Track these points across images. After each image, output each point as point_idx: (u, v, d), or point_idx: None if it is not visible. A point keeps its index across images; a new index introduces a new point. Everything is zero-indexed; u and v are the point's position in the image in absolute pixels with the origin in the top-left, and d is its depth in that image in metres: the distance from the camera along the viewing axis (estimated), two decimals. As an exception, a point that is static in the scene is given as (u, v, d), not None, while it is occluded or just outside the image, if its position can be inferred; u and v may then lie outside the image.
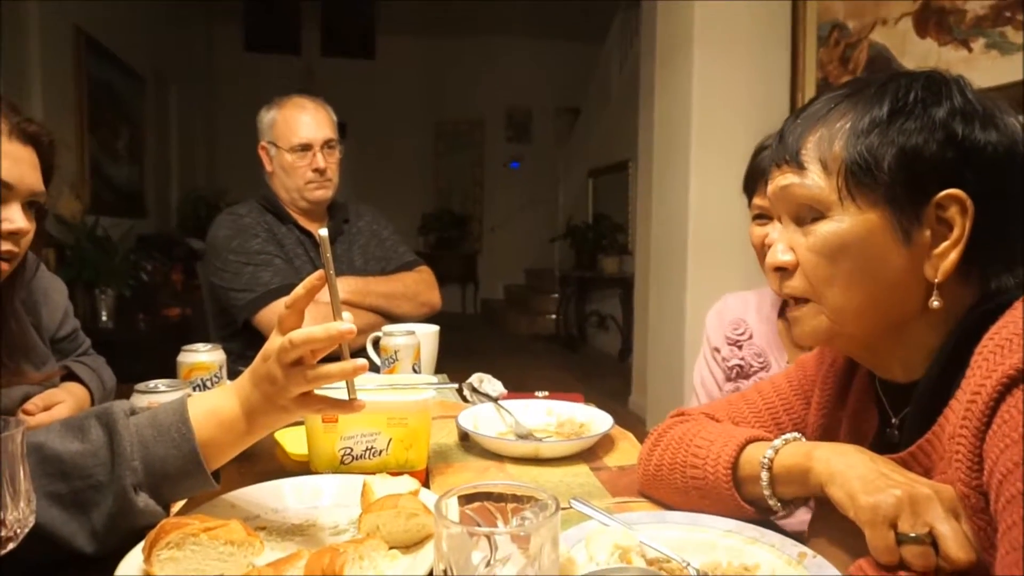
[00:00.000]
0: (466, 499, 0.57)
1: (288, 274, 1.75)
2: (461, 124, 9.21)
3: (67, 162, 4.32)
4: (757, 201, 1.27)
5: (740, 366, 1.33)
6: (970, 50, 2.16)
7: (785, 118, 0.77)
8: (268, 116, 1.87)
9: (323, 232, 0.72)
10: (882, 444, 0.75)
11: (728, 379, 1.36)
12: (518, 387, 1.39)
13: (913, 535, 0.58)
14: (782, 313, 1.33)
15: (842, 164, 0.68)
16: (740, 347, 1.34)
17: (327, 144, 1.85)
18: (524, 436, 1.12)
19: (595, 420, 1.17)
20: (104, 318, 3.99)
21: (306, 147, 1.82)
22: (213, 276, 1.81)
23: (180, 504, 0.82)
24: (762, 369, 1.31)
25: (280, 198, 1.89)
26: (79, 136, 4.55)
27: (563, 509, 0.80)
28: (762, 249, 1.25)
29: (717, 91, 3.16)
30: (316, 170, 1.82)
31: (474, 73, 8.81)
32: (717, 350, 1.38)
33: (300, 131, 1.83)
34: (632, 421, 3.97)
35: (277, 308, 0.74)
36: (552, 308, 7.26)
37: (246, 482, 0.87)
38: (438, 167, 9.40)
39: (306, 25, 8.75)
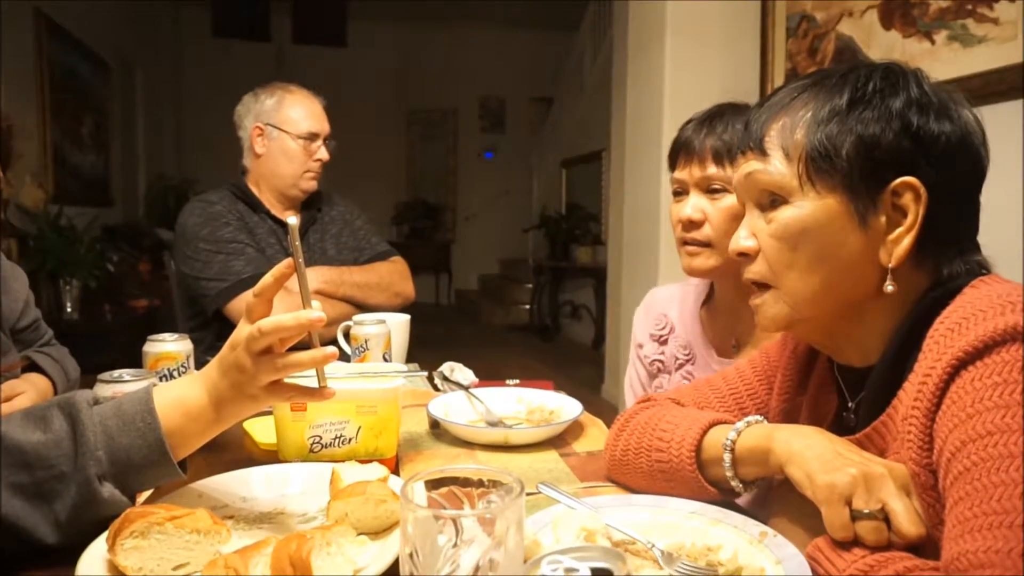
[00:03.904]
0: (433, 484, 0.57)
1: (260, 263, 1.73)
2: (435, 113, 9.14)
3: (29, 150, 4.21)
4: (675, 175, 1.16)
5: (661, 361, 1.28)
6: (933, 42, 2.20)
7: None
8: (271, 98, 1.85)
9: (292, 219, 0.72)
10: (839, 427, 0.77)
11: (651, 375, 1.30)
12: (492, 376, 1.40)
13: (867, 511, 0.60)
14: (706, 302, 1.28)
15: (803, 151, 0.69)
16: (664, 342, 1.29)
17: (331, 137, 1.88)
18: (494, 423, 1.13)
19: (565, 407, 1.18)
20: (69, 309, 3.91)
21: (314, 137, 1.84)
22: (183, 265, 1.78)
23: (146, 494, 0.81)
24: (688, 362, 1.25)
25: (261, 184, 1.87)
26: (41, 123, 4.43)
27: (531, 494, 0.81)
28: (679, 225, 1.16)
29: (689, 82, 3.18)
30: (318, 160, 1.85)
31: (447, 62, 8.74)
32: (640, 346, 1.33)
33: (313, 120, 1.84)
34: (605, 409, 4.01)
35: (248, 298, 0.74)
36: (526, 298, 7.27)
37: (214, 472, 0.87)
38: (411, 156, 9.32)
39: (276, 10, 8.59)
